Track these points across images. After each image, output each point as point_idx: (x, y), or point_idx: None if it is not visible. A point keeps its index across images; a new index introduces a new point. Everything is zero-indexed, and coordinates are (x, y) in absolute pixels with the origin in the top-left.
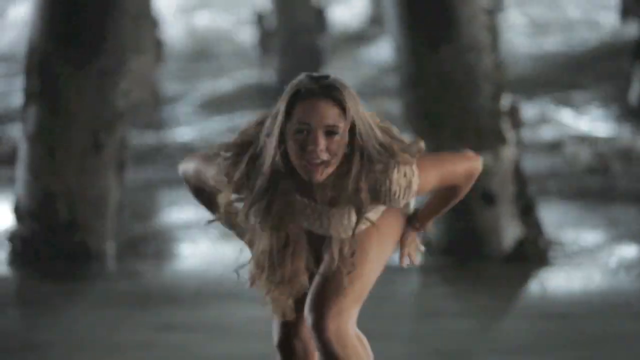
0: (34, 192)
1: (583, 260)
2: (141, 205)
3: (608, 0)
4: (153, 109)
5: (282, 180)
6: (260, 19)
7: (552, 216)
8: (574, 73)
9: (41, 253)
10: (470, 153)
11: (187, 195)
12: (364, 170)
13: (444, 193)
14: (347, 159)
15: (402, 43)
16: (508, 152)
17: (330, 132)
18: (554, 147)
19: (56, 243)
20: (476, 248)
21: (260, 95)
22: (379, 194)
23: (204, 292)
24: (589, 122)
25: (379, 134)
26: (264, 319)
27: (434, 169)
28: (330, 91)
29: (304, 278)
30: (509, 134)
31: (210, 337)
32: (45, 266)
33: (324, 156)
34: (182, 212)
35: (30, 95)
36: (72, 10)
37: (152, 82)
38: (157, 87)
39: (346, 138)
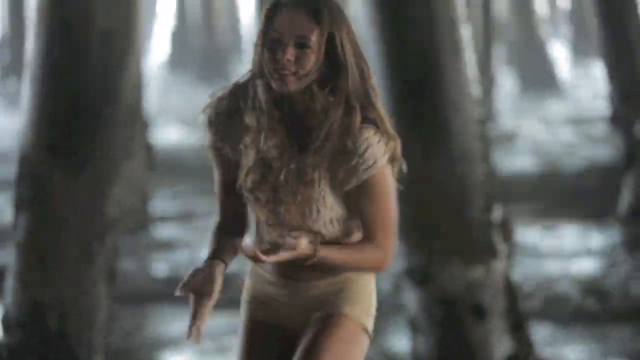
0: (23, 302)
1: None
2: (130, 318)
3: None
4: (143, 222)
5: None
6: None
7: (542, 332)
8: (559, 191)
9: None
10: (390, 248)
11: (176, 309)
12: (343, 112)
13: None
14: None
15: None
16: (499, 265)
17: (302, 44)
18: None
19: (45, 354)
20: None
21: None
22: (346, 146)
23: None
24: (580, 245)
25: (367, 73)
26: None
27: (383, 187)
28: (307, 3)
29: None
30: (501, 246)
31: None
32: None
33: (292, 67)
34: (171, 326)
35: (20, 204)
36: (63, 118)
37: (142, 189)
38: (148, 194)
39: (321, 55)
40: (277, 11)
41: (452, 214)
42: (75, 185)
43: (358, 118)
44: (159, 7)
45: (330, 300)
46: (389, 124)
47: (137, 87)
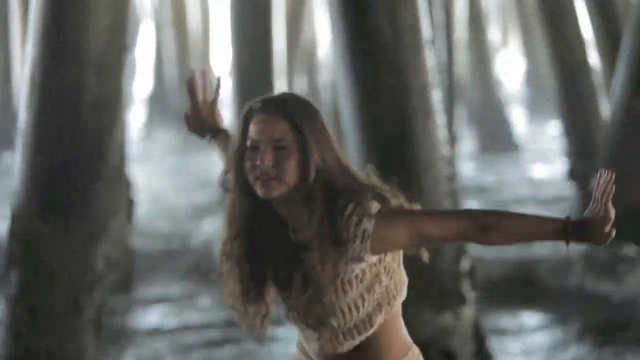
0: (15, 352)
1: None
2: None
3: None
4: (126, 273)
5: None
6: None
7: None
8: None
9: None
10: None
11: None
12: (325, 202)
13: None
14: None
15: None
16: (468, 312)
17: (280, 147)
18: None
19: None
20: None
21: None
22: (334, 231)
23: None
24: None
25: (344, 161)
26: None
27: (405, 219)
28: (277, 105)
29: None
30: (469, 294)
31: None
32: None
33: (272, 172)
34: None
35: (12, 259)
36: (53, 178)
37: (124, 241)
38: (130, 247)
39: (301, 155)
40: (250, 118)
41: (424, 264)
42: (64, 242)
43: (342, 201)
44: (137, 70)
45: None
46: (377, 185)
47: (121, 147)
